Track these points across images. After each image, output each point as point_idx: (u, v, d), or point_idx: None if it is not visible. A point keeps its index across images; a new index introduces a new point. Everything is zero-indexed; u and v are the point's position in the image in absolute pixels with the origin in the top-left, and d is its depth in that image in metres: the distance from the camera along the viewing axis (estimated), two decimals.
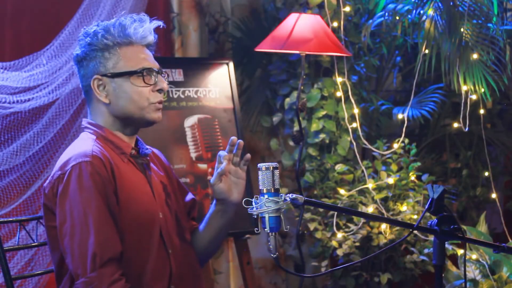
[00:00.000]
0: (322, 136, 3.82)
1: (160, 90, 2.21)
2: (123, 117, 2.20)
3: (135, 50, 2.20)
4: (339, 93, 3.79)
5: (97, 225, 2.03)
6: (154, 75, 2.20)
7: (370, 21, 3.84)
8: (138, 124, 2.23)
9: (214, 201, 2.30)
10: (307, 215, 3.73)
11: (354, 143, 3.83)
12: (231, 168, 2.27)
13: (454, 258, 3.54)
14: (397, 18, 3.77)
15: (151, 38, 2.23)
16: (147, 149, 2.28)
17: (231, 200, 2.27)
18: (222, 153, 2.25)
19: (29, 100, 3.07)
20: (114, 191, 2.10)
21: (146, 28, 2.21)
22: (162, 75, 2.23)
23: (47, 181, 2.14)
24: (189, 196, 2.42)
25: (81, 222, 2.04)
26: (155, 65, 2.22)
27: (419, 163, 3.71)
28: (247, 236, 3.53)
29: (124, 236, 2.10)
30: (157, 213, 2.20)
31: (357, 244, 3.61)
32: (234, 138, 2.26)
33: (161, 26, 2.26)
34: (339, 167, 3.74)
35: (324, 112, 3.82)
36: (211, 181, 2.25)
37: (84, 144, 2.16)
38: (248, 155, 2.30)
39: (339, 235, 3.62)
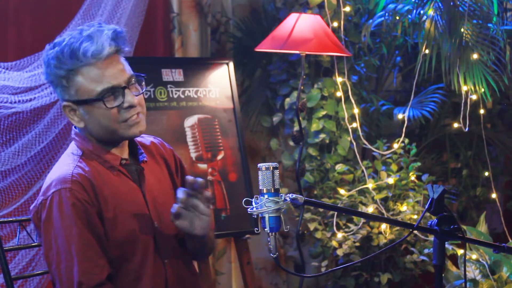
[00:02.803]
0: (322, 136, 3.82)
1: (129, 108, 2.08)
2: (100, 138, 2.14)
3: (92, 69, 2.05)
4: (339, 93, 3.80)
5: (80, 253, 2.02)
6: (119, 93, 2.07)
7: (370, 21, 3.84)
8: (118, 141, 2.16)
9: None
10: (307, 215, 3.73)
11: (354, 143, 3.83)
12: (193, 203, 2.12)
13: (454, 258, 3.54)
14: (397, 18, 3.77)
15: (110, 48, 2.06)
16: (142, 153, 2.22)
17: (195, 234, 2.17)
18: (179, 192, 2.12)
19: (30, 100, 3.08)
20: (98, 213, 2.08)
21: (98, 44, 2.04)
22: (139, 83, 2.11)
23: (32, 205, 2.12)
24: None
25: (65, 250, 2.03)
26: (121, 80, 2.07)
27: (419, 163, 3.71)
28: (247, 236, 3.53)
29: (117, 253, 2.09)
30: (150, 224, 2.17)
31: (357, 244, 3.61)
32: (189, 178, 2.10)
33: (118, 30, 2.09)
34: (339, 167, 3.75)
35: (324, 112, 3.82)
36: (170, 218, 2.15)
37: (67, 164, 2.12)
38: (208, 194, 2.15)
39: (339, 235, 3.63)
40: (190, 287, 2.26)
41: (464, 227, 3.41)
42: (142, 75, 2.14)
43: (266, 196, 1.90)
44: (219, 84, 3.64)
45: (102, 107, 2.07)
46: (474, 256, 3.40)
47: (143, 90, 2.14)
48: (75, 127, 2.19)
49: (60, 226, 2.04)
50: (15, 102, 3.01)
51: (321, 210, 3.74)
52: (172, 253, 2.21)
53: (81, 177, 2.08)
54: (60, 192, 2.05)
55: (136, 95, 2.11)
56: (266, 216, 1.89)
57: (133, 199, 2.16)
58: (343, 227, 3.68)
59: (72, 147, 2.19)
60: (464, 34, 3.55)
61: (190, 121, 3.53)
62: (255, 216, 1.92)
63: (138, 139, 2.27)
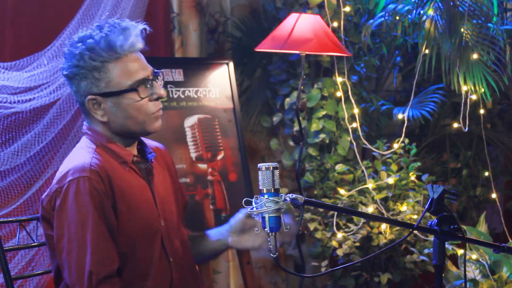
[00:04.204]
0: (322, 136, 3.82)
1: (158, 99, 2.16)
2: (123, 133, 2.17)
3: (126, 62, 2.12)
4: (339, 93, 3.79)
5: (94, 243, 2.03)
6: (148, 84, 2.14)
7: (371, 21, 3.84)
8: (139, 135, 2.21)
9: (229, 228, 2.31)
10: (307, 215, 3.73)
11: (354, 143, 3.83)
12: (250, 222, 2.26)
13: (454, 258, 3.54)
14: (397, 18, 3.77)
15: (140, 44, 2.15)
16: (150, 153, 2.25)
17: (227, 243, 2.32)
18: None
19: (30, 100, 3.07)
20: (113, 206, 2.09)
21: (133, 38, 2.12)
22: (157, 78, 2.17)
23: (45, 193, 2.13)
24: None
25: (78, 238, 2.03)
26: (148, 72, 2.15)
27: (419, 163, 3.71)
28: None
29: (125, 248, 2.10)
30: (158, 222, 2.19)
31: (357, 244, 3.61)
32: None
33: (147, 30, 2.18)
34: (339, 167, 3.74)
35: (324, 112, 3.82)
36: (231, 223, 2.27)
37: (83, 155, 2.13)
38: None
39: (339, 235, 3.63)
40: (193, 284, 2.29)
41: (464, 227, 3.41)
42: (160, 70, 2.20)
43: (266, 196, 1.90)
44: (219, 84, 3.64)
45: (134, 98, 2.11)
46: (474, 256, 3.39)
47: (162, 85, 2.21)
48: (87, 122, 2.21)
49: (75, 214, 2.04)
50: (14, 102, 3.01)
51: (321, 210, 3.74)
52: (177, 253, 2.23)
53: (99, 167, 2.09)
54: (78, 180, 2.05)
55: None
56: (266, 216, 1.89)
57: (143, 196, 2.18)
58: (343, 227, 3.68)
59: (85, 142, 2.20)
60: (464, 34, 3.55)
61: (190, 121, 3.52)
62: (255, 216, 1.92)
63: (145, 141, 2.29)
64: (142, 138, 2.28)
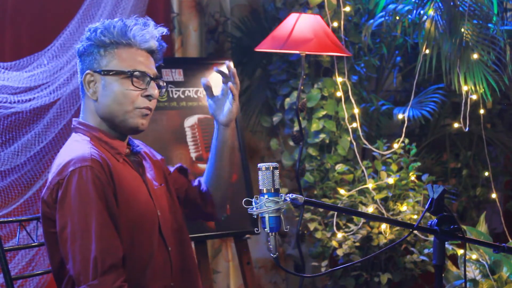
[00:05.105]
0: (322, 136, 3.82)
1: (149, 96, 2.18)
2: (107, 117, 2.18)
3: (133, 52, 2.18)
4: (339, 93, 3.79)
5: (98, 231, 2.02)
6: (146, 80, 2.18)
7: (371, 21, 3.84)
8: (121, 128, 2.20)
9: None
10: (307, 215, 3.73)
11: (354, 143, 3.83)
12: (229, 86, 2.44)
13: (454, 258, 3.54)
14: (397, 18, 3.77)
15: (153, 43, 2.22)
16: (137, 146, 2.28)
17: (218, 120, 2.41)
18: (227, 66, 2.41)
19: (30, 100, 3.07)
20: (114, 194, 2.10)
21: (147, 32, 2.20)
22: (156, 83, 2.22)
23: (45, 188, 2.12)
24: (175, 168, 2.46)
25: (82, 228, 2.02)
26: (150, 71, 2.20)
27: (419, 163, 3.71)
28: (247, 236, 3.53)
29: (125, 237, 2.10)
30: (155, 211, 2.21)
31: (357, 244, 3.61)
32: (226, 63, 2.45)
33: (164, 33, 2.27)
34: (339, 167, 3.74)
35: (324, 112, 3.82)
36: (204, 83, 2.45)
37: (80, 147, 2.13)
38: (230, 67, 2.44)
39: (339, 235, 3.63)
40: (193, 276, 2.31)
41: (464, 227, 3.41)
42: (166, 81, 2.31)
43: (266, 196, 1.90)
44: (219, 84, 3.63)
45: (127, 84, 2.16)
46: (474, 256, 3.39)
47: (161, 94, 2.27)
48: (83, 101, 2.23)
49: (79, 204, 2.04)
50: (14, 102, 3.01)
51: (321, 210, 3.74)
52: (174, 242, 2.25)
53: (99, 157, 2.11)
54: (80, 170, 2.06)
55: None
56: (266, 216, 1.89)
57: (138, 187, 2.20)
58: (343, 227, 3.68)
59: (76, 136, 2.21)
60: (464, 34, 3.55)
61: (190, 121, 3.52)
62: (255, 216, 1.92)
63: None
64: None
